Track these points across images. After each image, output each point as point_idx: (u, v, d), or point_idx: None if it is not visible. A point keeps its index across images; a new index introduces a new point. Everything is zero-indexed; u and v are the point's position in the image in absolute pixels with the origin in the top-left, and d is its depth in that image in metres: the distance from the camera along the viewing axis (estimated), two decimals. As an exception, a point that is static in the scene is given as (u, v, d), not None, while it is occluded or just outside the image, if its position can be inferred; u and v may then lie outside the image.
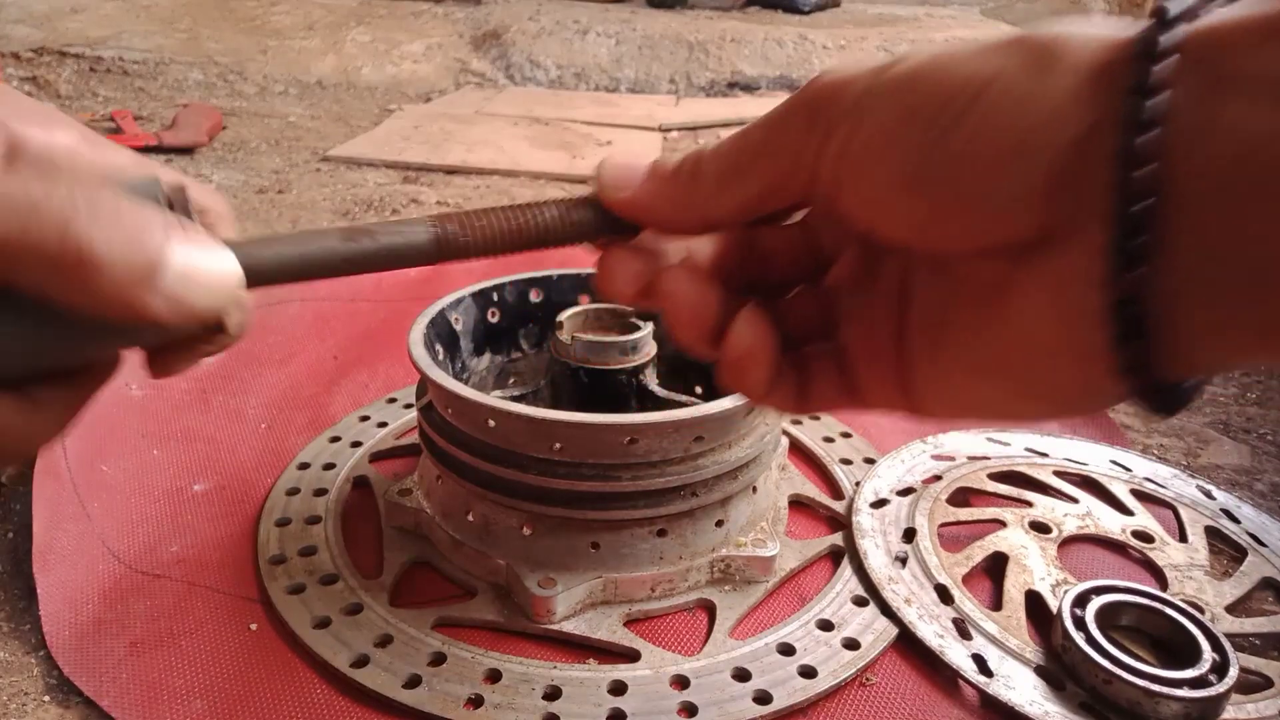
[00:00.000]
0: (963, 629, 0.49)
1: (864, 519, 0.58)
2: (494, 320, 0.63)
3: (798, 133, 0.23)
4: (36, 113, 0.23)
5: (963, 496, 0.61)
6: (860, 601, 0.52)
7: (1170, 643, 0.48)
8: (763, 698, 0.45)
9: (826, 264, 0.27)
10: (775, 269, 0.27)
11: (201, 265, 0.22)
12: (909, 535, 0.56)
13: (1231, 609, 0.52)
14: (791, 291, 0.28)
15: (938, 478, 0.63)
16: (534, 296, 0.64)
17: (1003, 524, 0.58)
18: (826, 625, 0.50)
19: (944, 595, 0.52)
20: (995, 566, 0.55)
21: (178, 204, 0.23)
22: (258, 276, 0.24)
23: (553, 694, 0.45)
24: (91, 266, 0.20)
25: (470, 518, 0.52)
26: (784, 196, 0.24)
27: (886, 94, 0.21)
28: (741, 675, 0.46)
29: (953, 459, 0.65)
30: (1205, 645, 0.46)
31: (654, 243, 0.27)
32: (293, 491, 0.59)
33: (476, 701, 0.44)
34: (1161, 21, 0.18)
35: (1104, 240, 0.18)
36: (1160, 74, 0.18)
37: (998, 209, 0.20)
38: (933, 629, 0.49)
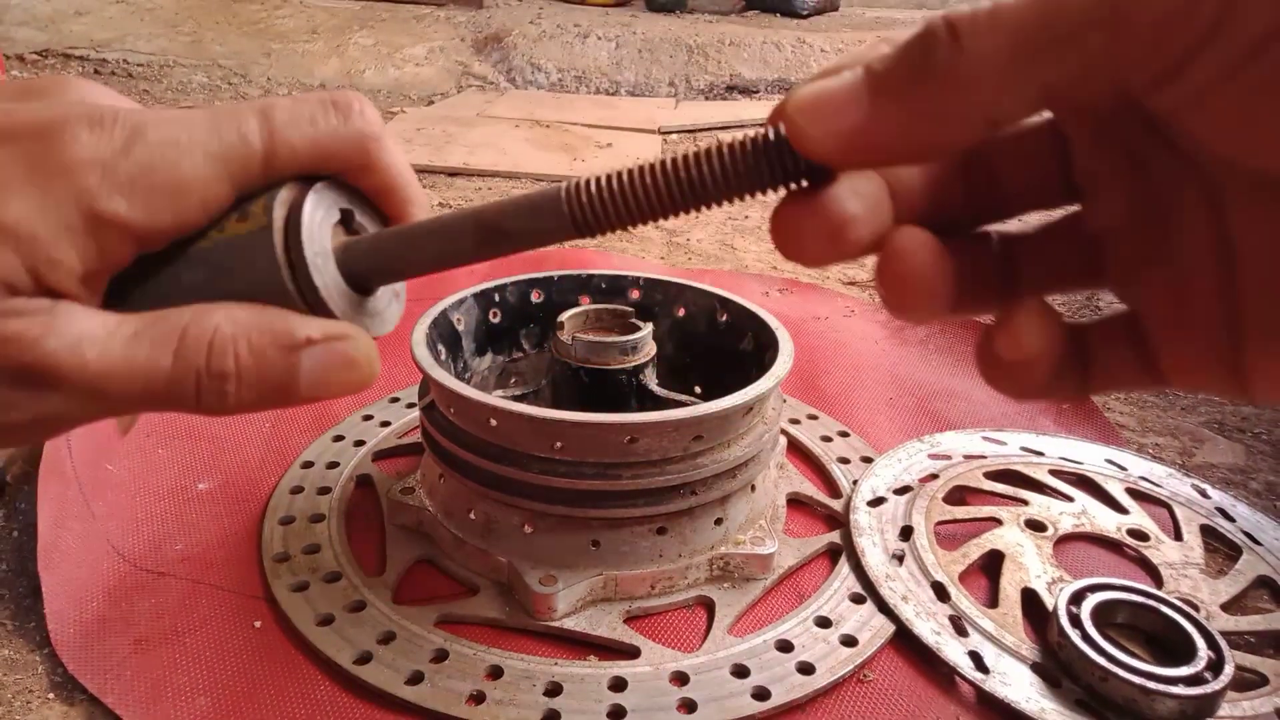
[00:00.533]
0: (959, 626, 0.50)
1: (861, 517, 0.58)
2: (496, 320, 0.64)
3: None
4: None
5: (959, 495, 0.62)
6: (858, 599, 0.52)
7: (1165, 640, 0.48)
8: (761, 694, 0.45)
9: (1073, 188, 0.21)
10: (1007, 197, 0.21)
11: (334, 365, 0.22)
12: (906, 533, 0.57)
13: (1227, 607, 0.53)
14: (1032, 229, 0.21)
15: (934, 476, 0.63)
16: (535, 297, 0.65)
17: (999, 522, 0.58)
18: (824, 622, 0.50)
19: (941, 593, 0.52)
20: (991, 564, 0.55)
21: (346, 219, 0.24)
22: (397, 275, 0.24)
23: (554, 690, 0.45)
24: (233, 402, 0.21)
25: (472, 516, 0.52)
26: (1106, 85, 0.16)
27: None
28: (740, 672, 0.46)
29: (949, 458, 0.66)
30: (1200, 643, 0.46)
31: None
32: (296, 490, 0.60)
33: (478, 698, 0.44)
34: None
35: None
36: None
37: None
38: (929, 626, 0.49)
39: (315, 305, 0.23)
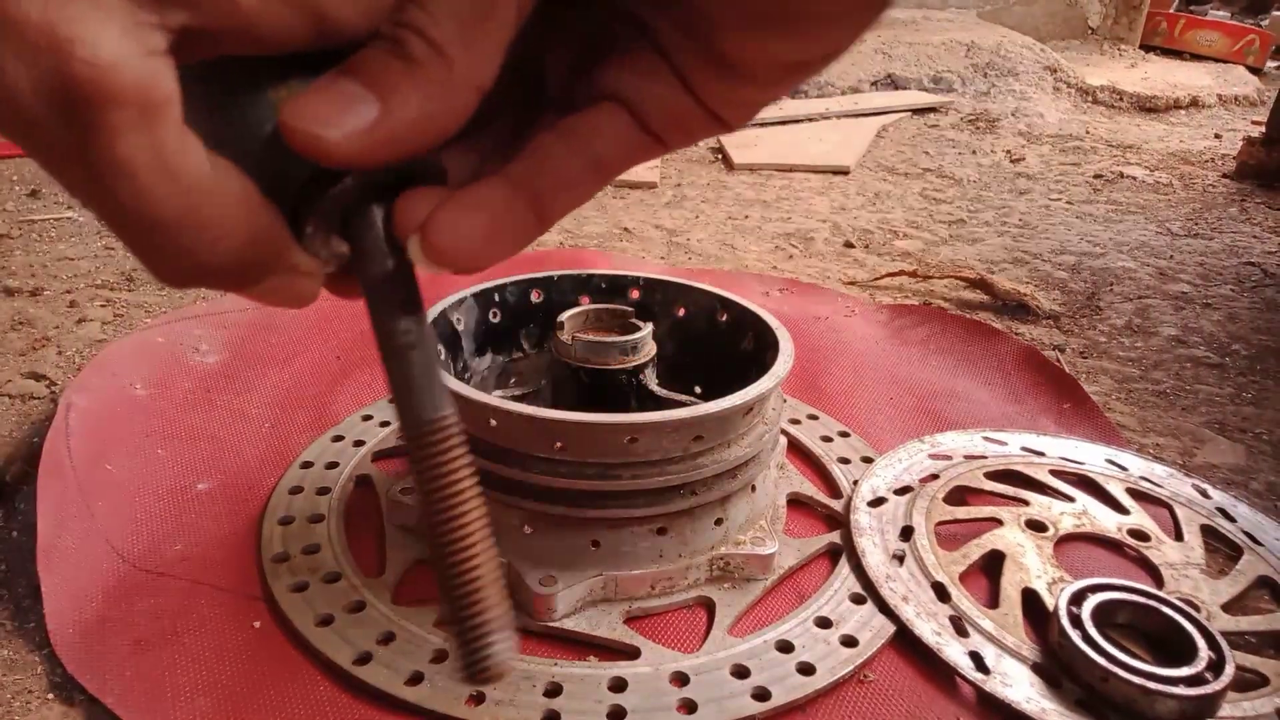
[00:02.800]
0: (960, 626, 0.50)
1: (862, 517, 0.58)
2: (495, 320, 0.64)
3: None
4: None
5: (960, 495, 0.62)
6: (858, 599, 0.52)
7: (1166, 640, 0.48)
8: (761, 694, 0.45)
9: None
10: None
11: (287, 296, 0.23)
12: (906, 533, 0.57)
13: (1227, 607, 0.53)
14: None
15: (935, 476, 0.63)
16: (535, 297, 0.65)
17: (999, 522, 0.58)
18: (825, 623, 0.50)
19: (941, 593, 0.52)
20: (992, 565, 0.55)
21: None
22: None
23: (554, 691, 0.45)
24: None
25: (471, 516, 0.52)
26: None
27: None
28: (740, 672, 0.46)
29: (950, 458, 0.66)
30: (1201, 643, 0.46)
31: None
32: (296, 490, 0.60)
33: (478, 698, 0.44)
34: None
35: None
36: None
37: None
38: (930, 626, 0.49)
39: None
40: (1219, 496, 0.64)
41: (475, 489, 0.22)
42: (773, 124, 1.80)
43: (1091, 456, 0.67)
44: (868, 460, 0.65)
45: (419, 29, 0.19)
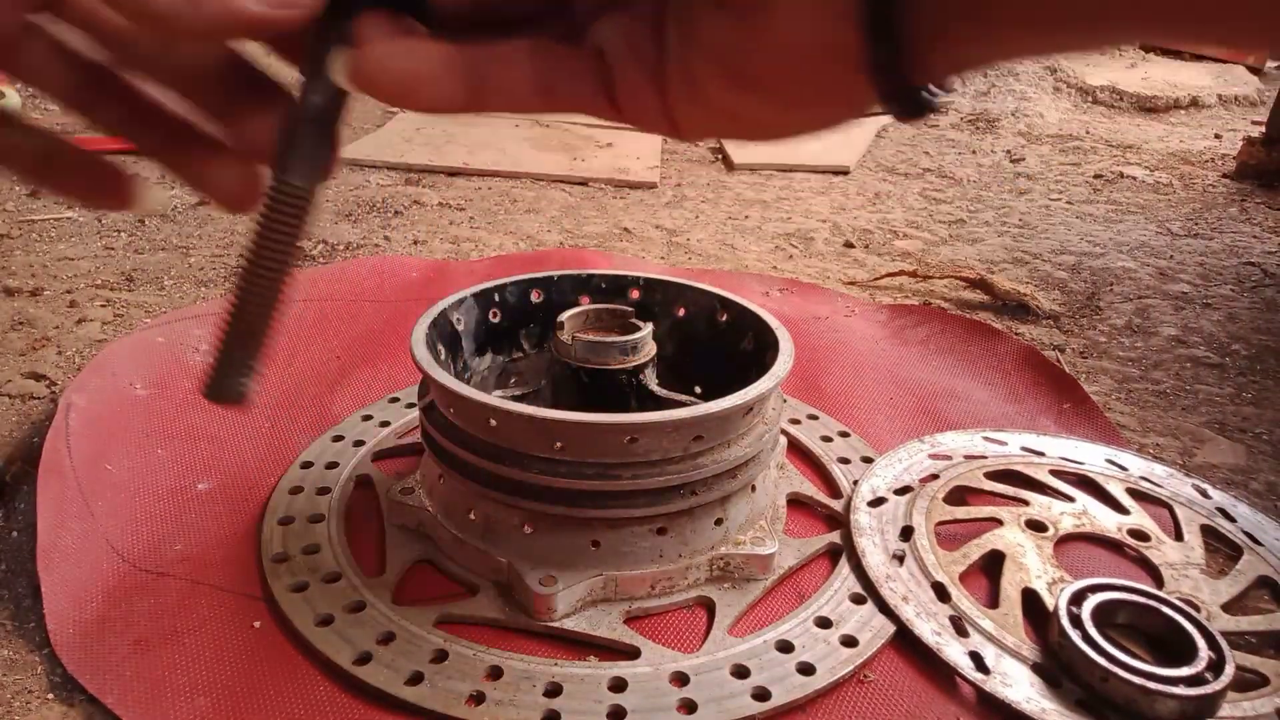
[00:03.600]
0: (960, 626, 0.50)
1: (862, 517, 0.58)
2: (495, 321, 0.64)
3: None
4: None
5: (960, 495, 0.62)
6: (858, 599, 0.52)
7: (1166, 640, 0.48)
8: (761, 694, 0.45)
9: None
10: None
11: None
12: (906, 533, 0.57)
13: (1227, 607, 0.53)
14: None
15: (935, 476, 0.63)
16: (535, 297, 0.65)
17: (999, 522, 0.58)
18: (825, 623, 0.50)
19: (941, 593, 0.52)
20: (992, 565, 0.55)
21: None
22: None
23: (554, 691, 0.45)
24: None
25: (472, 516, 0.52)
26: None
27: None
28: (740, 672, 0.46)
29: (950, 458, 0.66)
30: (1201, 643, 0.46)
31: None
32: (296, 490, 0.60)
33: (478, 698, 0.44)
34: None
35: None
36: None
37: None
38: (930, 626, 0.49)
39: None
40: (1219, 496, 0.64)
41: (291, 259, 0.26)
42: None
43: (1091, 456, 0.67)
44: (868, 460, 0.65)
45: None
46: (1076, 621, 0.47)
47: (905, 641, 0.49)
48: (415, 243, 1.11)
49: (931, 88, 0.21)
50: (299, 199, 0.25)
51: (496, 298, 0.64)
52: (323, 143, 0.26)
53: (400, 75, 0.24)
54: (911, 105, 0.21)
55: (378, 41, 0.24)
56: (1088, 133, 1.93)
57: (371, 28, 0.24)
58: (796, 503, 0.61)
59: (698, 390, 0.65)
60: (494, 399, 0.48)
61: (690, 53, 0.23)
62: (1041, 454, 0.67)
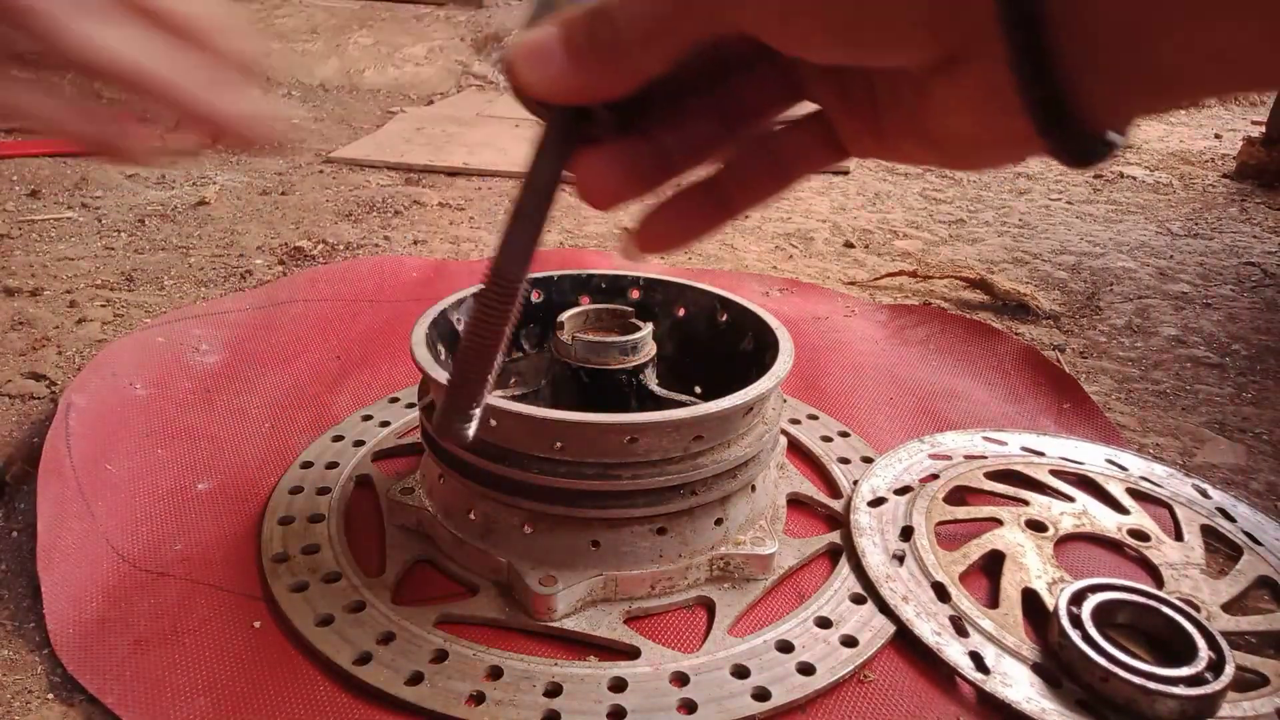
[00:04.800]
0: (960, 626, 0.50)
1: (862, 517, 0.58)
2: (495, 321, 0.64)
3: None
4: None
5: (960, 495, 0.62)
6: (858, 599, 0.52)
7: (1166, 640, 0.48)
8: (761, 694, 0.45)
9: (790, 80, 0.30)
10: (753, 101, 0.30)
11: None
12: (906, 533, 0.57)
13: (1227, 607, 0.53)
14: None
15: (935, 476, 0.63)
16: (535, 297, 0.65)
17: (999, 522, 0.58)
18: (825, 623, 0.50)
19: (941, 593, 0.52)
20: (992, 565, 0.55)
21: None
22: None
23: (554, 691, 0.45)
24: None
25: (472, 516, 0.52)
26: (709, 37, 0.24)
27: None
28: (740, 672, 0.46)
29: (949, 458, 0.66)
30: (1201, 643, 0.46)
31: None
32: (296, 490, 0.60)
33: (478, 698, 0.44)
34: None
35: (1006, 55, 0.20)
36: None
37: (892, 37, 0.22)
38: (930, 626, 0.49)
39: None
40: (1219, 496, 0.64)
41: (507, 333, 0.31)
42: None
43: (1091, 456, 0.67)
44: (868, 460, 0.65)
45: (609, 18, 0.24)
46: (1076, 621, 0.47)
47: (905, 641, 0.49)
48: (415, 243, 1.11)
49: (1108, 136, 0.22)
50: (515, 289, 0.30)
51: (496, 298, 0.63)
52: (536, 234, 0.30)
53: (602, 176, 0.29)
54: (1090, 158, 0.22)
55: (585, 154, 0.28)
56: (1088, 133, 1.93)
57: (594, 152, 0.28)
58: (796, 503, 0.61)
59: (698, 390, 0.65)
60: (494, 399, 0.48)
61: (887, 116, 0.26)
62: (1041, 454, 0.67)
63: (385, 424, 0.67)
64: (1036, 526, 0.58)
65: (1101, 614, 0.48)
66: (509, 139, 1.60)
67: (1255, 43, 0.19)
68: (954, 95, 0.22)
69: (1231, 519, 0.61)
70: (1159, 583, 0.55)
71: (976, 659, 0.47)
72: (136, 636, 0.48)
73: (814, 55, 0.23)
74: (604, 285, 0.65)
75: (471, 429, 0.33)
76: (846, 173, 1.53)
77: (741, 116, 0.30)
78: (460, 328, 0.61)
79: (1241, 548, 0.58)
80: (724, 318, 0.63)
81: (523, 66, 0.25)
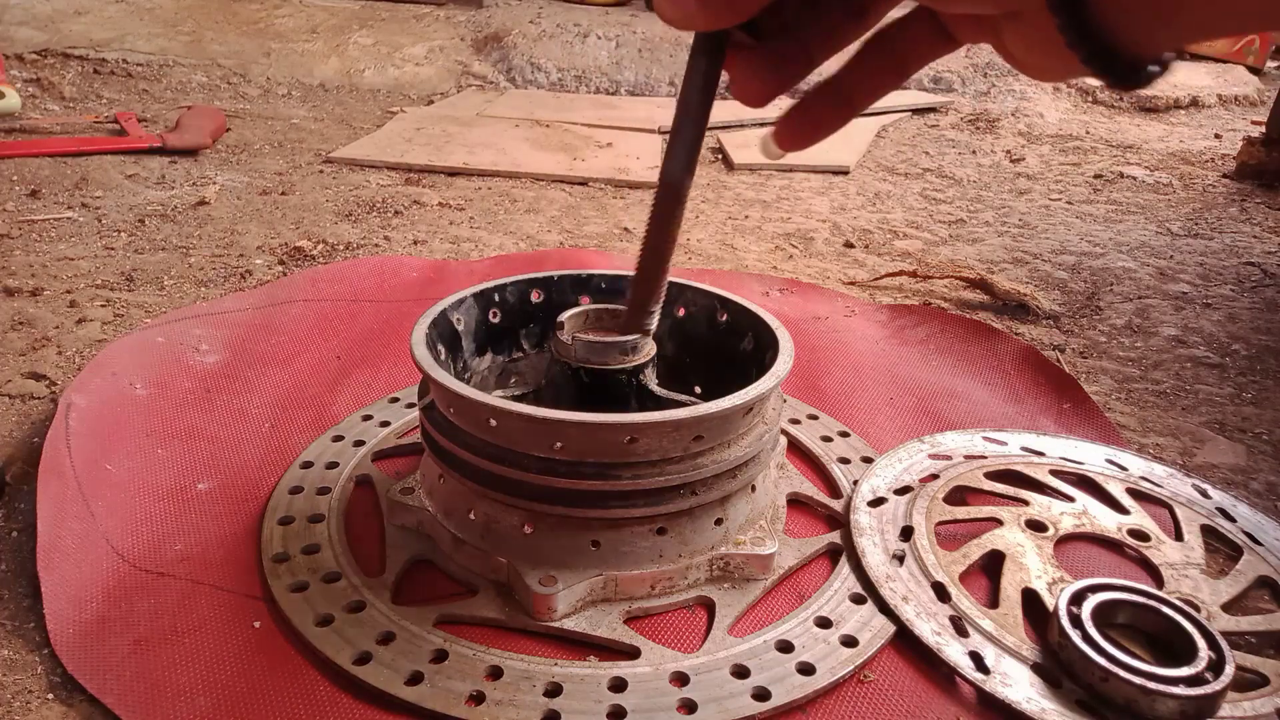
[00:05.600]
0: (960, 626, 0.50)
1: (862, 517, 0.58)
2: (495, 321, 0.64)
3: None
4: None
5: (960, 495, 0.62)
6: (858, 599, 0.52)
7: (1166, 641, 0.48)
8: (761, 694, 0.45)
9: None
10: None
11: None
12: (906, 534, 0.57)
13: (1227, 607, 0.53)
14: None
15: (935, 476, 0.63)
16: (535, 297, 0.65)
17: (999, 522, 0.58)
18: (825, 623, 0.50)
19: (941, 593, 0.52)
20: (992, 565, 0.55)
21: None
22: None
23: (554, 691, 0.45)
24: None
25: (472, 516, 0.52)
26: None
27: None
28: (740, 672, 0.46)
29: (950, 458, 0.66)
30: (1201, 643, 0.46)
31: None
32: (296, 490, 0.60)
33: (478, 698, 0.44)
34: None
35: (1048, 5, 0.25)
36: None
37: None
38: (930, 626, 0.49)
39: None
40: (1219, 496, 0.64)
41: (676, 234, 0.38)
42: (773, 124, 1.80)
43: (1091, 456, 0.67)
44: (868, 460, 0.65)
45: None
46: (1076, 621, 0.47)
47: (905, 641, 0.49)
48: (415, 243, 1.11)
49: (1149, 67, 0.27)
50: (684, 192, 0.38)
51: (496, 298, 0.63)
52: (697, 141, 0.37)
53: (752, 78, 0.34)
54: (1132, 82, 0.27)
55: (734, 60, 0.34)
56: (1088, 133, 1.93)
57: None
58: (796, 503, 0.61)
59: (698, 390, 0.65)
60: (494, 399, 0.48)
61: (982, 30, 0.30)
62: (1041, 454, 0.67)
63: (385, 424, 0.67)
64: (1036, 526, 0.58)
65: (1101, 614, 0.48)
66: (509, 139, 1.60)
67: None
68: (1021, 37, 0.28)
69: (1231, 519, 0.61)
70: (1159, 583, 0.55)
71: (976, 659, 0.47)
72: (136, 636, 0.48)
73: None
74: (604, 285, 0.65)
75: (653, 322, 0.41)
76: (846, 172, 1.53)
77: (864, 10, 0.33)
78: (460, 327, 0.61)
79: (1241, 548, 0.58)
80: (724, 318, 0.63)
81: (662, 4, 0.30)
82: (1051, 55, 0.27)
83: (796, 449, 0.67)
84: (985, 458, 0.66)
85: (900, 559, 0.55)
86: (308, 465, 0.63)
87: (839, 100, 0.34)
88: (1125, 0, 0.25)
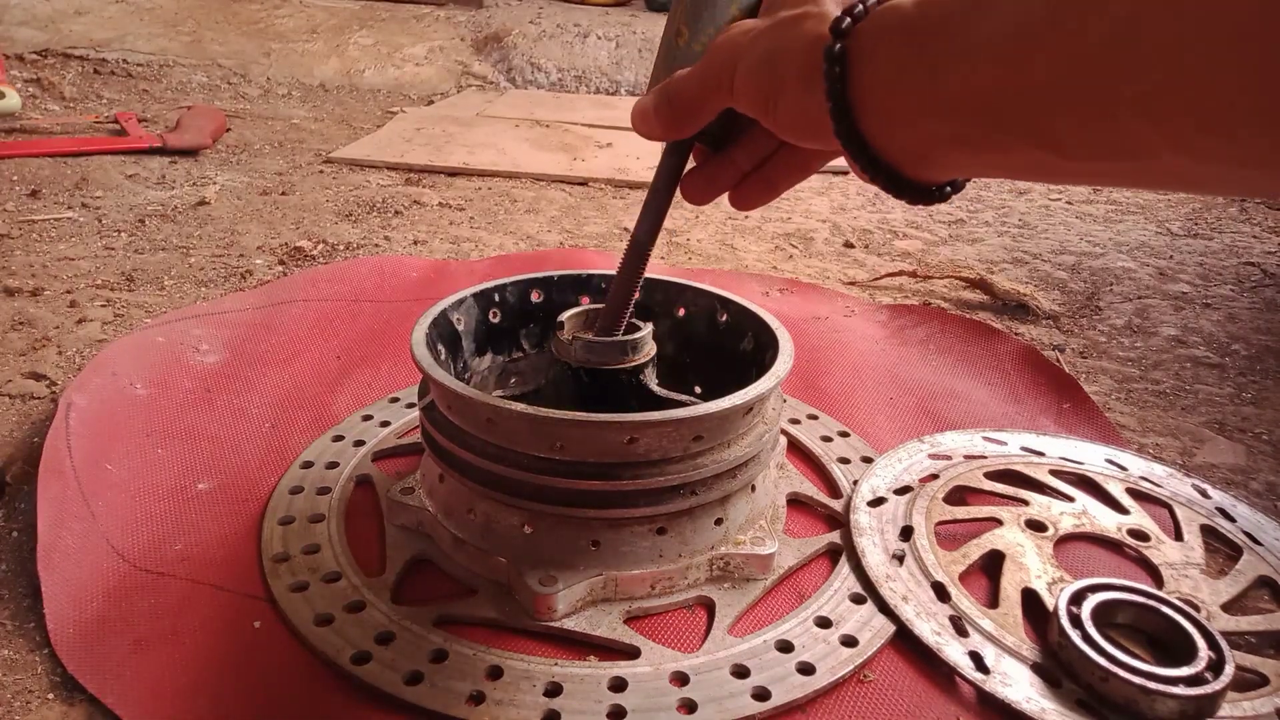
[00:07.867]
0: (960, 626, 0.50)
1: (862, 517, 0.58)
2: (495, 321, 0.64)
3: (723, 76, 0.39)
4: None
5: (959, 495, 0.62)
6: (858, 599, 0.52)
7: (1166, 640, 0.48)
8: (761, 694, 0.45)
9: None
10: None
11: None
12: (906, 533, 0.57)
13: (1227, 607, 0.53)
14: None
15: (935, 476, 0.63)
16: (535, 297, 0.65)
17: (999, 522, 0.58)
18: (824, 622, 0.50)
19: (941, 593, 0.52)
20: (992, 564, 0.55)
21: None
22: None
23: (554, 690, 0.45)
24: None
25: (472, 516, 0.52)
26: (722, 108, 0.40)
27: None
28: (740, 672, 0.46)
29: (949, 458, 0.66)
30: (1201, 643, 0.46)
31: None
32: (296, 490, 0.60)
33: (478, 698, 0.44)
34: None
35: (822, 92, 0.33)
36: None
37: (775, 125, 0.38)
38: (930, 626, 0.49)
39: None
40: (1219, 496, 0.64)
41: (640, 280, 0.52)
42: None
43: (1091, 456, 0.67)
44: (868, 460, 0.65)
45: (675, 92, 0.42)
46: (1076, 621, 0.47)
47: (905, 641, 0.49)
48: (415, 243, 1.11)
49: (944, 187, 0.35)
50: (646, 253, 0.50)
51: (496, 298, 0.64)
52: (663, 212, 0.49)
53: (699, 181, 0.48)
54: (923, 200, 0.35)
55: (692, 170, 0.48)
56: (1088, 133, 1.93)
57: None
58: (796, 503, 0.61)
59: (698, 390, 0.65)
60: (494, 399, 0.48)
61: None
62: (1041, 454, 0.67)
63: (385, 424, 0.68)
64: (1036, 526, 0.58)
65: (1101, 614, 0.48)
66: (509, 139, 1.60)
67: (981, 92, 0.29)
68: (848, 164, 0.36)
69: (1231, 519, 0.61)
70: (1159, 583, 0.55)
71: (976, 659, 0.47)
72: (136, 636, 0.48)
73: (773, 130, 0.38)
74: (604, 285, 0.65)
75: (619, 335, 0.53)
76: (847, 173, 1.53)
77: (782, 141, 0.43)
78: (460, 327, 0.61)
79: (1241, 548, 0.58)
80: (724, 318, 0.63)
81: (636, 121, 0.44)
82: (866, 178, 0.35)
83: (796, 449, 0.67)
84: (985, 458, 0.66)
85: (900, 559, 0.55)
86: (308, 465, 0.63)
87: (766, 185, 0.46)
88: (899, 148, 0.32)
